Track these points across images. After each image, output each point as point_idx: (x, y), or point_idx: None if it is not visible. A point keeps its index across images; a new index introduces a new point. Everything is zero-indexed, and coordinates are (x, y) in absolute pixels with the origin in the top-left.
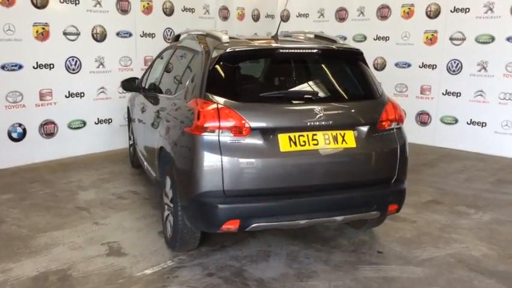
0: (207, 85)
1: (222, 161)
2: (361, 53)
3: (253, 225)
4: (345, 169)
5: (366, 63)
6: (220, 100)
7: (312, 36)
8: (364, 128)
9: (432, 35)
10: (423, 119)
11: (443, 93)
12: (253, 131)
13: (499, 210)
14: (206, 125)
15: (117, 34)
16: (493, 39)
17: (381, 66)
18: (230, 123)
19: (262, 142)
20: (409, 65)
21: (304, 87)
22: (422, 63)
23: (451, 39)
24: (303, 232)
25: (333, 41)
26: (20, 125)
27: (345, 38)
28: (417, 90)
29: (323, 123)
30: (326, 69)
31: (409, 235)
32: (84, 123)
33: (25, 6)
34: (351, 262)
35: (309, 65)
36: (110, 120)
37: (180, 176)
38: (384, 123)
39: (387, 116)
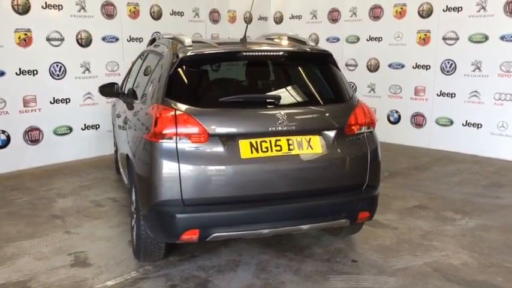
0: (167, 90)
1: (179, 169)
2: (330, 55)
3: (214, 235)
4: (310, 176)
5: (337, 65)
6: (179, 105)
7: (285, 38)
8: (331, 133)
9: (425, 34)
10: (418, 120)
11: (437, 94)
12: (212, 137)
13: (487, 216)
14: (163, 131)
15: (103, 39)
16: (486, 38)
17: (374, 68)
18: (187, 130)
19: (222, 149)
20: (402, 66)
21: (268, 90)
22: (416, 63)
23: (444, 38)
24: (277, 240)
25: (303, 43)
26: (3, 131)
27: (338, 40)
28: (411, 91)
29: (287, 128)
30: (292, 72)
31: (388, 242)
32: (71, 129)
33: (6, 12)
34: (322, 272)
35: (274, 67)
36: (97, 126)
37: (140, 184)
38: (352, 127)
39: (356, 120)
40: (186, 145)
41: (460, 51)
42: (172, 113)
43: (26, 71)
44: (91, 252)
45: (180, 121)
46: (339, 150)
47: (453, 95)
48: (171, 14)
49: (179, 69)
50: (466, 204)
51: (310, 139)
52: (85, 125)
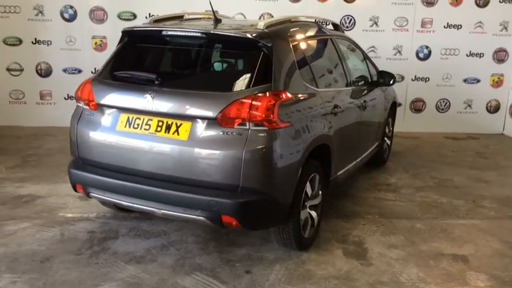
0: (107, 60)
1: (77, 130)
2: (251, 41)
3: (92, 194)
4: (170, 162)
5: (267, 54)
6: (95, 76)
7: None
8: (203, 122)
9: None
10: None
11: None
12: (100, 107)
13: None
14: (77, 96)
15: None
16: None
17: None
18: (84, 97)
19: (106, 119)
20: None
21: (168, 71)
22: None
23: None
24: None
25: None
26: None
27: None
28: None
29: (160, 109)
30: (207, 56)
31: (322, 272)
32: None
33: None
34: (201, 268)
35: (196, 50)
36: None
37: None
38: (229, 120)
39: (237, 113)
40: (86, 110)
41: None
42: (86, 80)
43: None
44: None
45: (84, 89)
46: (204, 142)
47: None
48: None
49: (120, 44)
50: None
51: (181, 125)
52: None
